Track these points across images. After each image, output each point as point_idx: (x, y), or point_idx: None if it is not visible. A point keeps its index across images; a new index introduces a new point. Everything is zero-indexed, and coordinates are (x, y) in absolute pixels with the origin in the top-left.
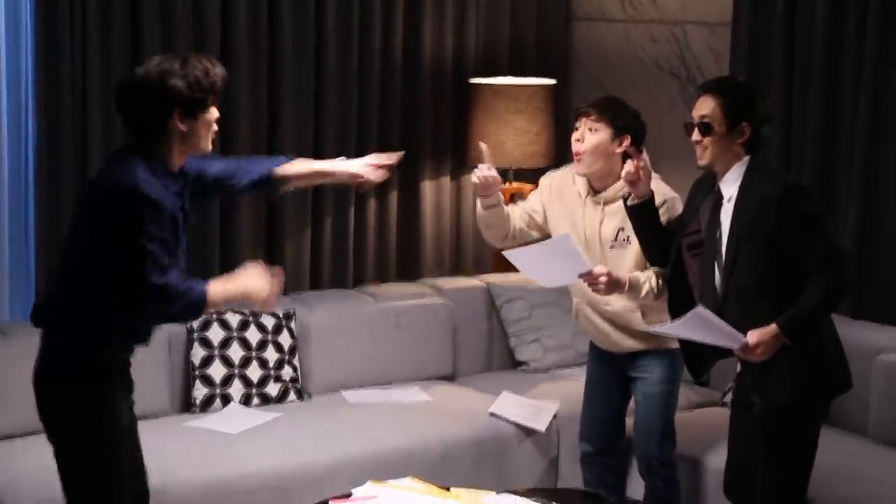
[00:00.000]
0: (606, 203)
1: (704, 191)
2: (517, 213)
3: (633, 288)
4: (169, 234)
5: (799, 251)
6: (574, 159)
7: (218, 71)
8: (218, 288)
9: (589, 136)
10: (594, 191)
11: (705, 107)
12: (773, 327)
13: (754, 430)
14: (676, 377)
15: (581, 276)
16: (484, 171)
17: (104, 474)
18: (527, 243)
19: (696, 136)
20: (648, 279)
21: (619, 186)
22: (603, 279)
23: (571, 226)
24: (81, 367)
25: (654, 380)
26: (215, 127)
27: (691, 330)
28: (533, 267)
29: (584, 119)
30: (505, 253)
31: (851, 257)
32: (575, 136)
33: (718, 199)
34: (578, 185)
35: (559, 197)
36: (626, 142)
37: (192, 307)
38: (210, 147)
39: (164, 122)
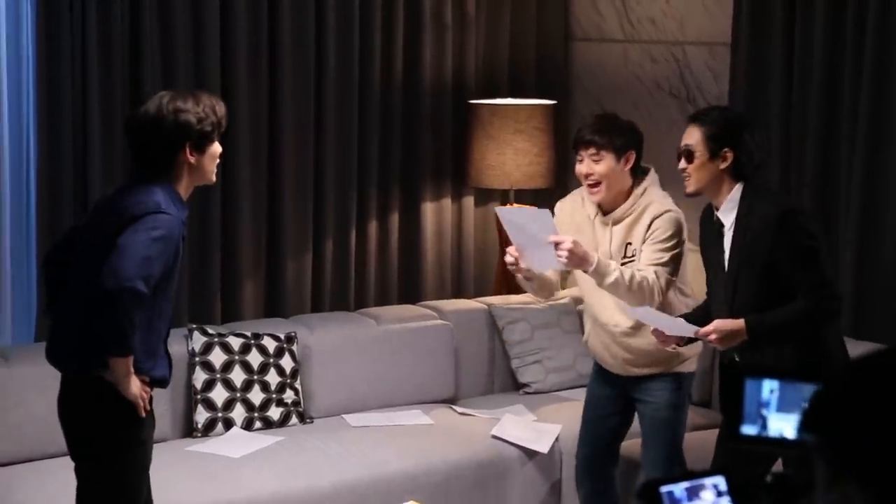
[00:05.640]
0: (615, 223)
1: (709, 222)
2: None
3: (601, 270)
4: (170, 263)
5: (790, 277)
6: (588, 190)
7: (221, 108)
8: (128, 368)
9: (595, 167)
10: (603, 212)
11: (690, 136)
12: (739, 321)
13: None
14: (683, 402)
15: (550, 240)
16: (508, 259)
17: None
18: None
19: (681, 164)
20: (620, 268)
21: (628, 206)
22: (567, 245)
23: (586, 248)
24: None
25: (661, 404)
26: (218, 159)
27: (657, 316)
28: (523, 229)
29: (583, 151)
30: (498, 210)
31: (838, 287)
32: (580, 168)
33: (720, 228)
34: (588, 207)
35: (573, 221)
36: (632, 157)
37: (121, 341)
38: (214, 178)
39: (175, 156)
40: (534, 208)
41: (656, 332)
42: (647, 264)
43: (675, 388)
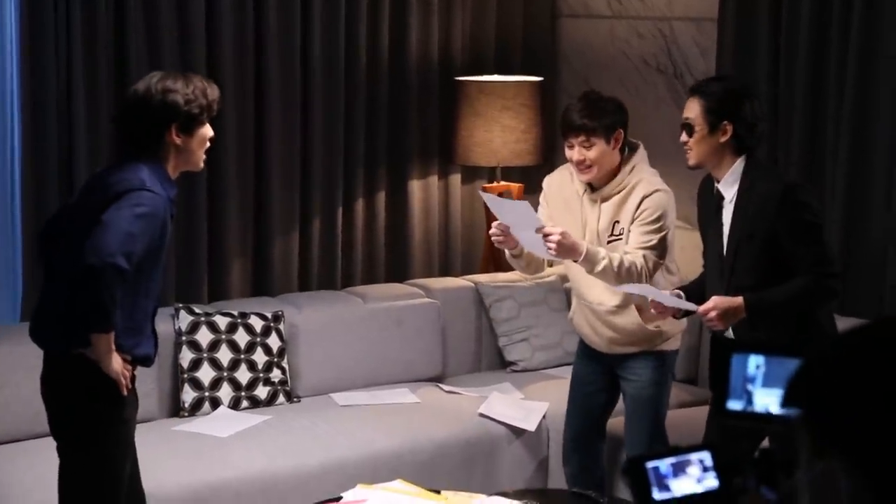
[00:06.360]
0: (603, 200)
1: (708, 195)
2: None
3: (590, 259)
4: (156, 241)
5: (792, 253)
6: (578, 173)
7: (213, 92)
8: (109, 345)
9: (587, 153)
10: (592, 188)
11: (690, 109)
12: (738, 299)
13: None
14: (666, 379)
15: (538, 230)
16: (493, 231)
17: (109, 482)
18: None
19: (683, 137)
20: (609, 255)
21: (616, 183)
22: (555, 238)
23: (574, 225)
24: (92, 377)
25: (643, 382)
26: (208, 144)
27: (655, 293)
28: (507, 216)
29: (573, 138)
30: (483, 195)
31: (839, 265)
32: (571, 154)
33: (719, 201)
34: (576, 183)
35: (561, 196)
36: (620, 136)
37: (102, 317)
38: (202, 164)
39: (161, 136)
40: (513, 201)
41: (654, 304)
42: (635, 247)
43: (657, 366)
